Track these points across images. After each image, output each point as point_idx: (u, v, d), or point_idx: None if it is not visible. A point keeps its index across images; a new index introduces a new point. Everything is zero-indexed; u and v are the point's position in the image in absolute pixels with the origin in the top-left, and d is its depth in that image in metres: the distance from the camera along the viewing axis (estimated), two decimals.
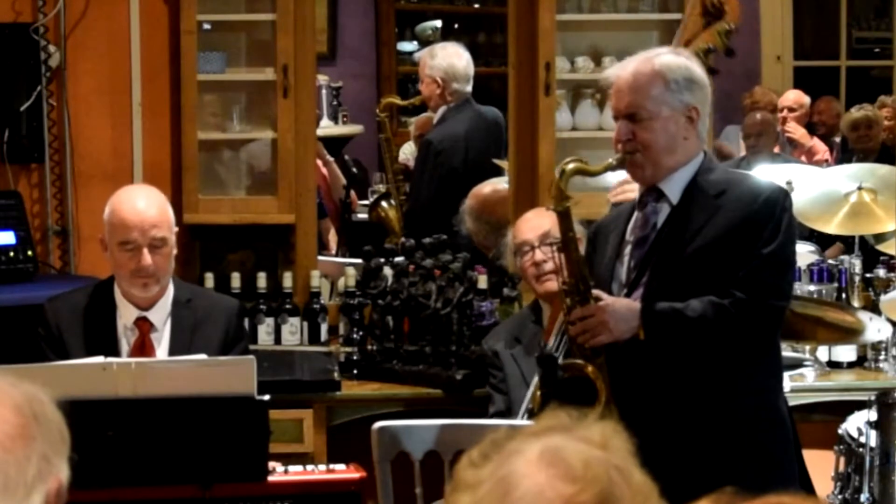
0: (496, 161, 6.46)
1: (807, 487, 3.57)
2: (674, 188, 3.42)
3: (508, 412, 4.35)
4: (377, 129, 7.90)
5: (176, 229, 3.97)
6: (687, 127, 3.42)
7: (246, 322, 5.21)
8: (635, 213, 3.50)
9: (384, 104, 7.12)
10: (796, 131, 8.21)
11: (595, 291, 3.40)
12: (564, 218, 3.43)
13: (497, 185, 5.69)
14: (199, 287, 4.42)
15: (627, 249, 3.47)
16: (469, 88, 6.30)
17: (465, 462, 1.56)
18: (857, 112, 7.93)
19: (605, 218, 3.70)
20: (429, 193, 6.19)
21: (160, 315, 3.95)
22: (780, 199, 3.38)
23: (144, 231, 3.85)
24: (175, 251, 3.96)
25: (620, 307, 3.36)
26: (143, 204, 3.90)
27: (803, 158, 8.00)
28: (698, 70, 3.47)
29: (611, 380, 3.40)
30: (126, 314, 3.93)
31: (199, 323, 3.97)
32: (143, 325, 3.93)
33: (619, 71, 3.48)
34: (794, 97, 8.42)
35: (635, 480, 1.51)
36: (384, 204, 6.80)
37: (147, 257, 3.85)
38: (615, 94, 3.46)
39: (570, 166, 3.44)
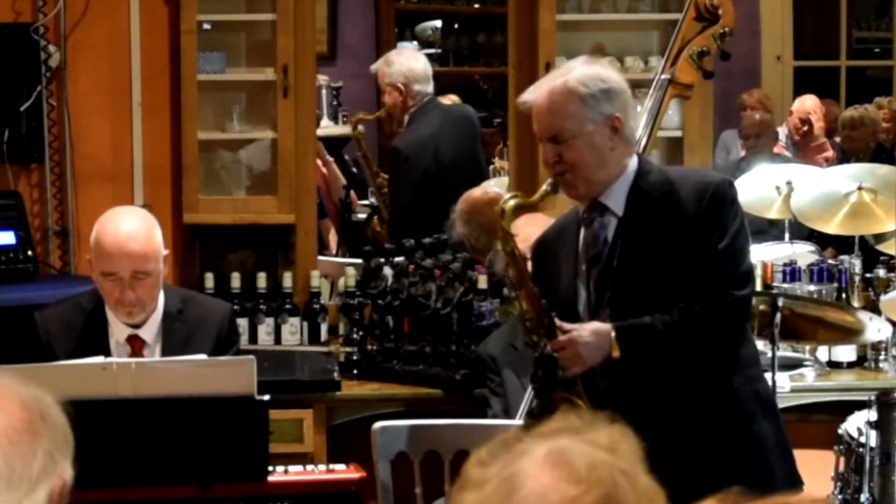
0: (497, 161, 6.47)
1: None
2: (616, 200, 3.37)
3: (506, 415, 4.35)
4: (377, 129, 7.93)
5: (165, 252, 3.84)
6: (612, 137, 3.34)
7: (245, 325, 5.24)
8: (582, 231, 3.44)
9: (355, 121, 7.05)
10: (817, 123, 8.24)
11: (558, 322, 3.35)
12: (513, 258, 3.38)
13: (486, 188, 5.67)
14: (191, 292, 4.27)
15: (583, 268, 3.42)
16: (430, 89, 6.20)
17: (473, 460, 1.56)
18: (848, 112, 7.98)
19: (548, 232, 3.62)
20: (407, 200, 6.15)
21: (151, 331, 3.87)
22: (726, 193, 3.34)
23: (127, 265, 3.73)
24: (164, 274, 3.85)
25: (589, 336, 3.31)
26: (127, 235, 3.75)
27: (818, 158, 8.01)
28: (614, 76, 3.40)
29: (598, 393, 3.36)
30: (118, 331, 3.86)
31: (190, 334, 3.90)
32: (136, 343, 3.86)
33: (534, 95, 3.40)
34: (813, 104, 8.40)
35: (641, 484, 1.51)
36: (376, 220, 6.77)
37: (129, 292, 3.75)
38: (535, 117, 3.39)
39: (510, 204, 3.37)
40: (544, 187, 3.41)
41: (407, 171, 6.12)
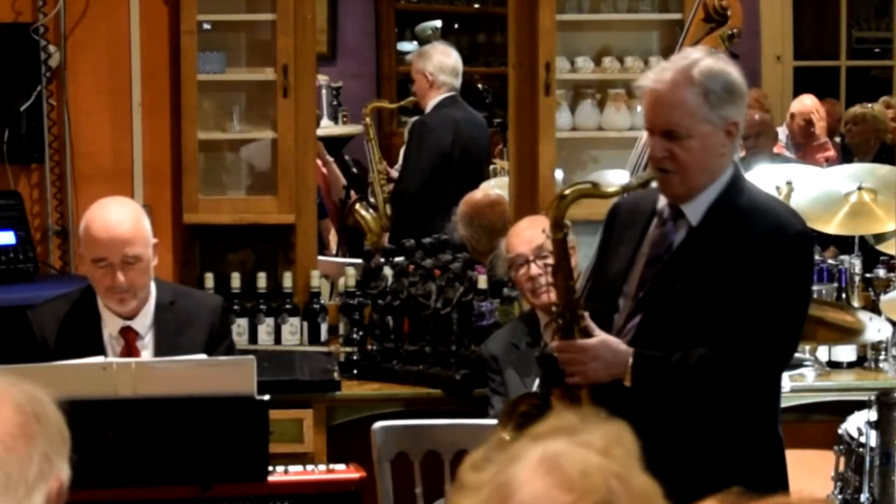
0: (497, 161, 6.55)
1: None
2: (696, 210, 3.22)
3: None
4: (378, 128, 7.97)
5: (155, 241, 3.88)
6: (725, 143, 3.20)
7: (245, 325, 5.24)
8: (653, 225, 3.29)
9: (370, 108, 7.42)
10: (819, 122, 8.26)
11: (586, 323, 3.20)
12: (561, 245, 3.21)
13: (488, 191, 5.74)
14: (182, 287, 4.34)
15: (640, 263, 3.27)
16: (457, 84, 6.55)
17: (467, 464, 1.56)
18: (854, 108, 8.00)
19: (626, 202, 3.42)
20: (422, 175, 6.39)
21: (144, 323, 3.89)
22: (800, 243, 3.19)
23: (116, 249, 3.76)
24: (154, 262, 3.88)
25: (606, 353, 3.16)
26: (116, 221, 3.80)
27: (819, 157, 8.02)
28: (737, 76, 3.23)
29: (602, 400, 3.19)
30: (111, 324, 3.88)
31: (182, 325, 3.92)
32: (129, 335, 3.87)
33: (655, 82, 3.20)
34: (813, 103, 8.41)
35: (636, 487, 1.50)
36: (358, 207, 7.02)
37: (120, 276, 3.77)
38: (651, 105, 3.21)
39: (575, 188, 3.21)
40: (631, 181, 3.26)
41: (430, 142, 6.41)
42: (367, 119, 7.33)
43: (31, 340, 3.90)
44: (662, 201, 3.30)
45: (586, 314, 3.22)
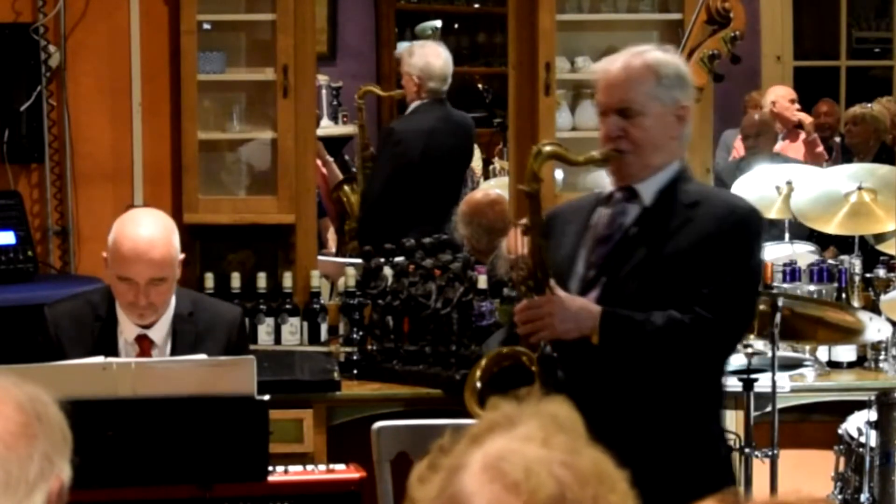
0: (497, 162, 6.54)
1: None
2: (649, 190, 3.32)
3: None
4: (376, 129, 7.97)
5: (182, 256, 3.84)
6: (676, 126, 3.32)
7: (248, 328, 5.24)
8: (600, 209, 3.38)
9: (362, 91, 7.32)
10: (806, 118, 8.29)
11: (552, 283, 3.27)
12: (533, 200, 3.27)
13: (488, 190, 5.74)
14: (201, 296, 4.29)
15: (588, 244, 3.35)
16: (445, 88, 6.36)
17: (414, 477, 1.55)
18: (854, 108, 8.04)
19: (562, 206, 3.60)
20: (383, 181, 6.32)
21: (161, 332, 3.87)
22: (753, 219, 3.32)
23: (143, 273, 3.72)
24: (178, 276, 3.85)
25: (573, 306, 3.23)
26: (146, 244, 3.73)
27: (801, 146, 8.05)
28: (686, 68, 3.39)
29: (561, 376, 3.27)
30: (127, 330, 3.85)
31: (200, 337, 3.90)
32: (144, 343, 3.85)
33: (607, 65, 3.35)
34: (786, 92, 8.46)
35: (584, 467, 1.48)
36: (346, 188, 7.02)
37: (142, 297, 3.74)
38: (605, 88, 3.34)
39: (547, 149, 3.31)
40: (592, 153, 3.36)
41: (394, 154, 6.28)
42: (360, 101, 7.25)
43: (45, 338, 3.88)
44: (612, 187, 3.39)
45: (550, 273, 3.28)
